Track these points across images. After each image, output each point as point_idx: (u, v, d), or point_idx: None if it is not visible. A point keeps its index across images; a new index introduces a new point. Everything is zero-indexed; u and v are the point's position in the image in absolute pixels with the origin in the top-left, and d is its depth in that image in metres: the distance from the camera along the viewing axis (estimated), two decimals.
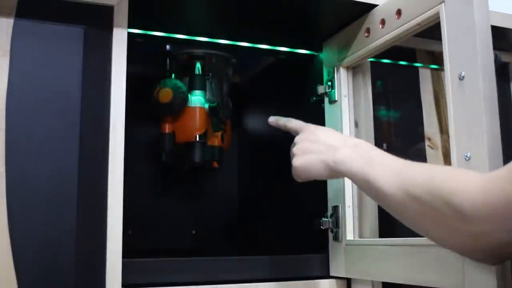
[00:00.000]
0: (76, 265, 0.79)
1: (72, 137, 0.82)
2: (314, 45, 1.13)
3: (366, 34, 0.96)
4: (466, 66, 0.71)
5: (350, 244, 0.98)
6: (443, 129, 1.15)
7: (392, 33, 0.89)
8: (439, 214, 0.59)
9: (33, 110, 0.81)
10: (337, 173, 0.76)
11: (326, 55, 1.09)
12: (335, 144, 0.76)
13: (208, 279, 0.92)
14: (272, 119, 0.92)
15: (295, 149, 0.82)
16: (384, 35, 0.91)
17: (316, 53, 1.13)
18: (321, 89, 1.08)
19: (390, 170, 0.66)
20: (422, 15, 0.82)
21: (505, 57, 1.15)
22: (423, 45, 1.12)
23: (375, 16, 0.94)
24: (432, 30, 0.84)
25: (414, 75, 1.17)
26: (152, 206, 1.37)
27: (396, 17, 0.88)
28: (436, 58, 1.18)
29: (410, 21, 0.85)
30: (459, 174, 0.62)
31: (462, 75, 0.72)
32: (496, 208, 0.53)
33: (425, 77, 1.18)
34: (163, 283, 0.88)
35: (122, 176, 0.84)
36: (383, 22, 0.92)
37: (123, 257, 0.82)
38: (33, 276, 0.77)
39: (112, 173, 0.83)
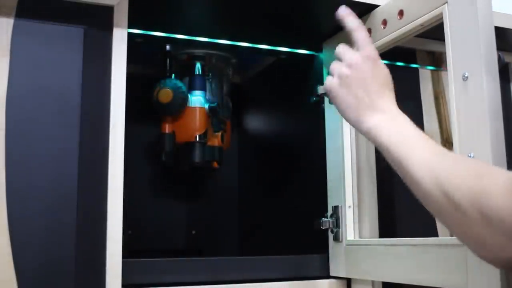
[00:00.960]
0: (76, 265, 0.79)
1: (72, 137, 0.82)
2: (314, 45, 1.12)
3: None
4: (470, 67, 0.71)
5: (350, 244, 0.98)
6: (443, 129, 1.15)
7: (394, 33, 0.89)
8: (464, 215, 0.56)
9: (33, 110, 0.80)
10: (364, 134, 0.72)
11: (326, 55, 1.09)
12: (381, 104, 0.71)
13: (208, 279, 0.92)
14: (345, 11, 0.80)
15: (343, 71, 0.74)
16: (386, 36, 0.91)
17: (316, 53, 1.13)
18: (321, 89, 1.07)
19: (424, 158, 0.63)
20: (425, 16, 0.82)
21: (506, 58, 1.15)
22: (423, 45, 1.12)
23: (377, 16, 0.94)
24: (433, 31, 0.84)
25: (414, 75, 1.17)
26: (152, 206, 1.37)
27: (398, 17, 0.88)
28: (436, 59, 1.18)
29: (412, 21, 0.85)
30: (487, 172, 0.59)
31: (466, 75, 0.72)
32: None
33: (425, 77, 1.18)
34: (163, 283, 0.88)
35: (122, 176, 0.83)
36: (384, 22, 0.92)
37: (123, 257, 0.82)
38: (33, 276, 0.77)
39: (112, 173, 0.83)
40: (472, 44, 0.71)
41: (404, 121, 0.69)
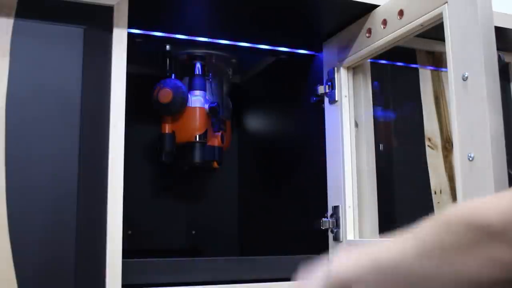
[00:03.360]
0: (76, 265, 0.79)
1: (72, 137, 0.82)
2: (314, 45, 1.12)
3: (367, 35, 0.96)
4: (470, 67, 0.71)
5: (350, 244, 0.98)
6: (443, 129, 1.15)
7: (394, 33, 0.89)
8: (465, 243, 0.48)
9: (33, 110, 0.81)
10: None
11: (326, 55, 1.09)
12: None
13: (208, 279, 0.92)
14: None
15: None
16: (386, 36, 0.91)
17: (316, 53, 1.13)
18: (321, 89, 1.07)
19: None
20: (425, 16, 0.82)
21: (506, 58, 1.15)
22: (423, 45, 1.12)
23: (377, 16, 0.94)
24: (433, 31, 0.84)
25: (414, 75, 1.17)
26: (152, 206, 1.37)
27: (398, 17, 0.88)
28: (436, 59, 1.18)
29: (412, 21, 0.85)
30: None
31: (466, 75, 0.72)
32: None
33: (425, 77, 1.18)
34: (163, 283, 0.88)
35: (122, 176, 0.83)
36: (384, 22, 0.92)
37: (123, 257, 0.82)
38: (33, 276, 0.77)
39: (112, 173, 0.83)
40: (472, 44, 0.71)
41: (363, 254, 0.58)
